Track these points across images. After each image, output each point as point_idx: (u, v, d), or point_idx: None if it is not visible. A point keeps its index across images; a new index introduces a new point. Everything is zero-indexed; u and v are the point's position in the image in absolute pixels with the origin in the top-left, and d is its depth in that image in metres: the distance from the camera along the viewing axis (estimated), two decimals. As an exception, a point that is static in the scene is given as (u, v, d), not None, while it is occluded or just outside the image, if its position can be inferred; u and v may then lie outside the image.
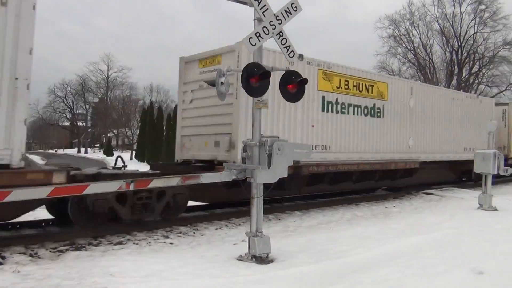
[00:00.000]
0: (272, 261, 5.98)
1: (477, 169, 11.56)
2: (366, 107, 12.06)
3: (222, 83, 6.00)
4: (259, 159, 6.03)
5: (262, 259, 5.95)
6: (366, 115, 12.04)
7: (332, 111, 11.01)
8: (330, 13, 72.35)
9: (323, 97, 10.77)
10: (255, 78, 5.79)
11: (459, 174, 17.77)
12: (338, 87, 11.11)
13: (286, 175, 6.14)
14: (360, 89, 11.85)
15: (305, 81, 6.34)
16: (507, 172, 11.81)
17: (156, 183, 5.72)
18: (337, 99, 11.12)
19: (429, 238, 7.32)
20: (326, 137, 10.83)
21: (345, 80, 11.34)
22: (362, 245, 6.74)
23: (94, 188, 5.37)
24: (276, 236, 7.58)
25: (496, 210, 10.99)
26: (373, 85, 12.26)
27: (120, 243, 7.31)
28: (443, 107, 15.37)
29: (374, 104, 12.33)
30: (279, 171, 6.00)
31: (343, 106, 11.32)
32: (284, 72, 6.36)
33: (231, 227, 8.83)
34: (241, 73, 5.82)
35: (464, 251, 6.32)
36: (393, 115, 13.04)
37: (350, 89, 11.48)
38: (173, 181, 5.85)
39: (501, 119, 19.73)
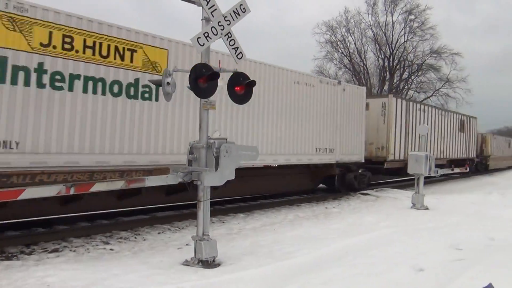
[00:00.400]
0: (219, 264, 5.90)
1: (410, 170, 12.22)
2: (117, 82, 8.05)
3: (168, 83, 5.84)
4: (206, 162, 5.93)
5: (209, 263, 5.85)
6: (117, 95, 8.06)
7: (27, 85, 6.88)
8: (270, 17, 73.35)
9: (4, 59, 6.64)
10: (203, 79, 5.67)
11: (320, 180, 14.86)
12: (45, 45, 7.08)
13: (234, 177, 6.09)
14: (104, 54, 7.85)
15: (253, 83, 6.28)
16: (437, 173, 12.57)
17: (98, 187, 5.42)
18: (41, 64, 7.04)
19: (369, 237, 7.59)
20: (7, 127, 6.68)
21: (66, 36, 7.33)
22: (307, 246, 6.85)
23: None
24: (221, 239, 7.49)
25: (427, 209, 11.65)
26: (136, 50, 8.30)
27: (56, 250, 6.87)
28: (279, 93, 11.47)
29: (138, 80, 8.33)
30: (226, 173, 5.94)
31: (60, 78, 7.27)
32: (231, 73, 6.28)
33: (174, 231, 8.61)
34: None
35: (403, 249, 6.62)
36: (181, 97, 8.93)
37: (78, 51, 7.49)
38: (117, 184, 5.59)
39: (380, 114, 16.31)
